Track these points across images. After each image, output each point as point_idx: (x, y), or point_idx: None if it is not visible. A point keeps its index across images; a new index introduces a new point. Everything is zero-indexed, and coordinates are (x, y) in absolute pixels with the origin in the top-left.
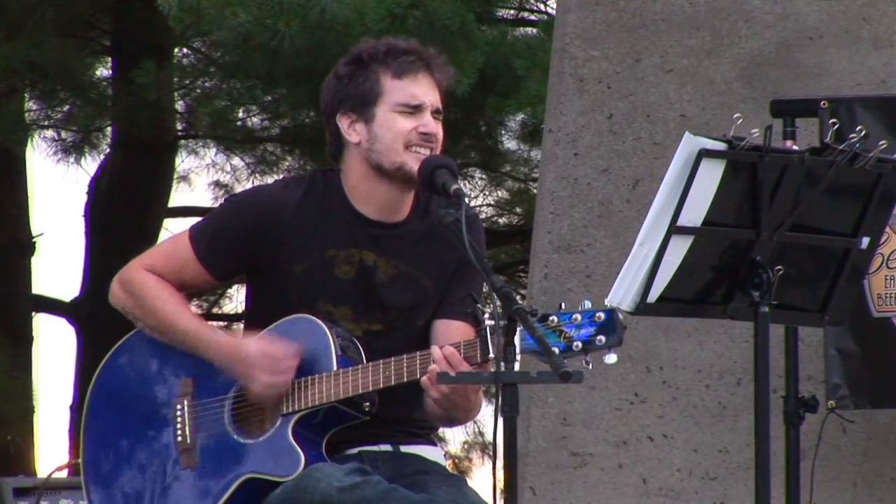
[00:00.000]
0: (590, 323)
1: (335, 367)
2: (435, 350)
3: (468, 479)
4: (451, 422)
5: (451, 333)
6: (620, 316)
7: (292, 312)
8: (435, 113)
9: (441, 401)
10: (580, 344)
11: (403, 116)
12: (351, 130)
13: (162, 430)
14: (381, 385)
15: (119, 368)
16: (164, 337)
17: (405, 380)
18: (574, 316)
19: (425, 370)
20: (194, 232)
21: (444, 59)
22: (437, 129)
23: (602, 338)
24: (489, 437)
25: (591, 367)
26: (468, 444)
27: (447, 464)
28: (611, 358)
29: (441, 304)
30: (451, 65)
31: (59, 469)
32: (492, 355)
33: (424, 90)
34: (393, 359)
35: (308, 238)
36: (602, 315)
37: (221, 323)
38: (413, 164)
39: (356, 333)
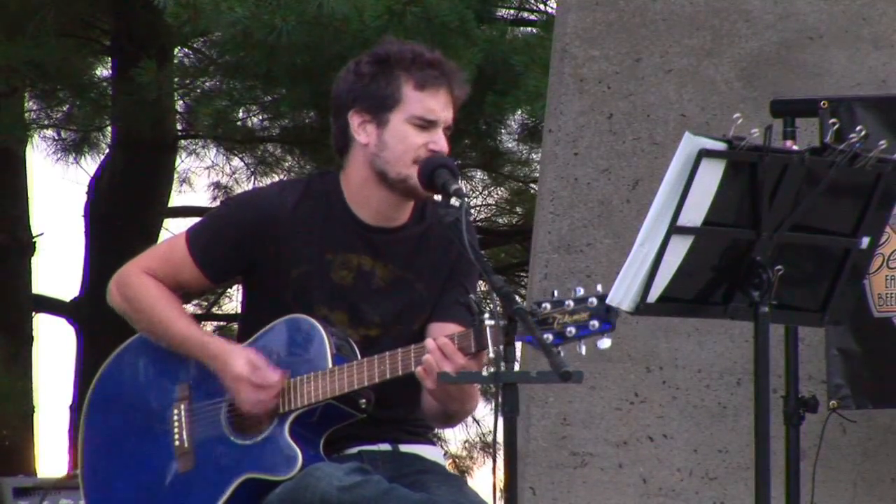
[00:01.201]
0: (583, 309)
1: (330, 366)
2: (429, 342)
3: (469, 479)
4: (448, 418)
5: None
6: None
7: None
8: (446, 129)
9: (437, 392)
10: (574, 330)
11: (417, 130)
12: (361, 130)
13: (159, 434)
14: (377, 380)
15: (117, 374)
16: (158, 340)
17: (400, 373)
18: (567, 303)
19: (420, 362)
20: (191, 235)
21: (464, 75)
22: (446, 146)
23: (595, 323)
24: (490, 436)
25: (584, 351)
26: (469, 444)
27: (447, 463)
28: (605, 343)
29: (436, 307)
30: (467, 83)
31: (61, 481)
32: (488, 349)
33: (442, 106)
34: (387, 353)
35: (305, 242)
36: (595, 300)
37: (220, 323)
38: (417, 179)
39: (352, 338)
